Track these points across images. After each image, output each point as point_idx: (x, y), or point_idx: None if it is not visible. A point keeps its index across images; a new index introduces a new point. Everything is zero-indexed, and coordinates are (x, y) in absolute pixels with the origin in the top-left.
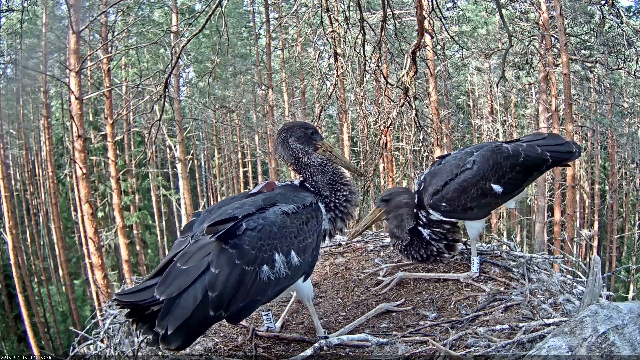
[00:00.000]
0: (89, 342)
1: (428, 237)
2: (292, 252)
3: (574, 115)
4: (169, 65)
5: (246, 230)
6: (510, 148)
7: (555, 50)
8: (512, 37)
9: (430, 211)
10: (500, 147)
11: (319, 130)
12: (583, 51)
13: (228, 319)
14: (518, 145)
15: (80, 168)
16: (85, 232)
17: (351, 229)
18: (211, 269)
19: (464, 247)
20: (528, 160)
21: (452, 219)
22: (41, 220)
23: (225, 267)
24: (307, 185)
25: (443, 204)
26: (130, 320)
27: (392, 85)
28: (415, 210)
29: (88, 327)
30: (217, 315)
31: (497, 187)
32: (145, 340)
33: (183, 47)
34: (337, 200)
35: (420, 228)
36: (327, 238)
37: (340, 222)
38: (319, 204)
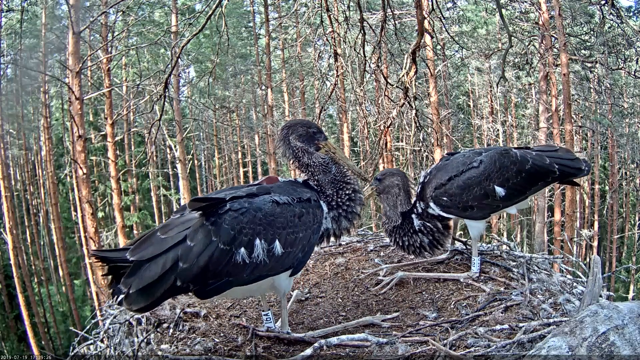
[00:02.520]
0: (89, 342)
1: (417, 227)
2: (277, 242)
3: (574, 116)
4: (169, 66)
5: (229, 210)
6: (518, 154)
7: (555, 50)
8: (512, 37)
9: (431, 204)
10: (509, 151)
11: (323, 130)
12: (583, 51)
13: (196, 292)
14: (527, 153)
15: (81, 168)
16: (85, 232)
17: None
18: (187, 241)
19: (464, 247)
20: (535, 168)
21: (451, 215)
22: (41, 221)
23: (201, 242)
24: (310, 183)
25: (444, 199)
26: (109, 279)
27: (392, 85)
28: (414, 200)
29: (88, 327)
30: (185, 286)
31: (499, 190)
32: (115, 297)
33: (183, 47)
34: (339, 199)
35: (413, 216)
36: (332, 238)
37: (345, 221)
38: (321, 202)
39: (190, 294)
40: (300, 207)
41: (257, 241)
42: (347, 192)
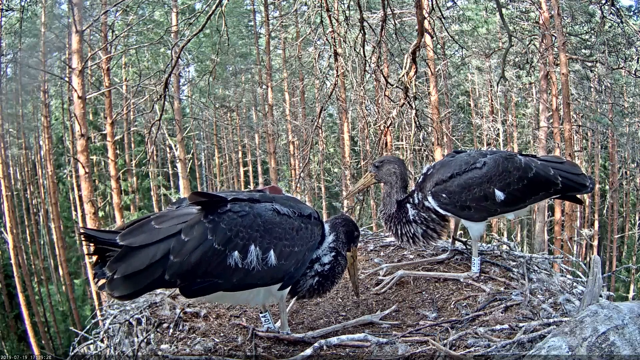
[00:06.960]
0: (89, 342)
1: (411, 217)
2: (271, 252)
3: (574, 115)
4: (169, 65)
5: (229, 211)
6: (523, 160)
7: (555, 49)
8: (512, 37)
9: (429, 199)
10: (514, 156)
11: (359, 235)
12: (583, 50)
13: (182, 289)
14: (532, 160)
15: (83, 167)
16: None
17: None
18: (181, 235)
19: (465, 247)
20: (538, 177)
21: (448, 213)
22: (41, 220)
23: (196, 238)
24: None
25: (443, 195)
26: (93, 260)
27: (392, 86)
28: (412, 189)
29: (88, 327)
30: (172, 281)
31: (499, 194)
32: (96, 280)
33: (183, 47)
34: (324, 271)
35: (408, 205)
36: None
37: (309, 292)
38: (325, 224)
39: (174, 289)
40: (300, 221)
41: (252, 247)
42: (328, 281)
